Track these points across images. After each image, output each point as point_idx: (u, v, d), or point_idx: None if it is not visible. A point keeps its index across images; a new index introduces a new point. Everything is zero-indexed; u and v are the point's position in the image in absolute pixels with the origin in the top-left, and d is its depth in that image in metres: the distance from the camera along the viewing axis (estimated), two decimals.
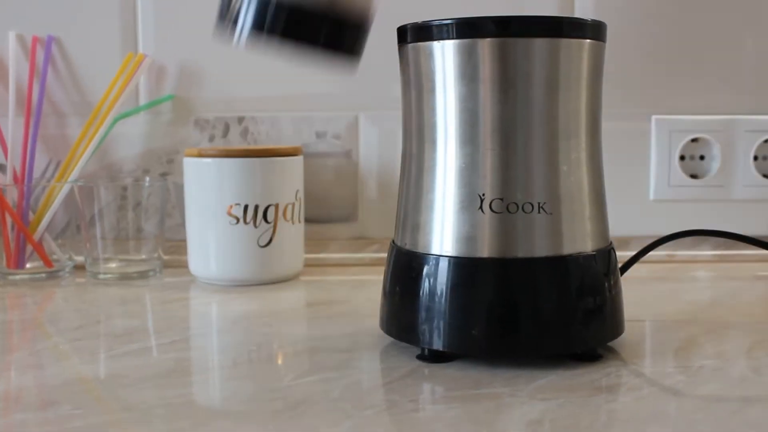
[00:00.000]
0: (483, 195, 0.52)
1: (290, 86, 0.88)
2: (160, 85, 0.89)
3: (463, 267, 0.53)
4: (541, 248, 0.52)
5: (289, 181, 0.80)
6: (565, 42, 0.52)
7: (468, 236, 0.53)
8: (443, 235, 0.54)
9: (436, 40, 0.53)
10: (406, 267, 0.56)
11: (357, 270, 0.87)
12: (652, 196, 0.90)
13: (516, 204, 0.52)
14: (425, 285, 0.54)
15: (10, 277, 0.83)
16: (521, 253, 0.52)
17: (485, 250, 0.52)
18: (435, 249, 0.54)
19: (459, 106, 0.52)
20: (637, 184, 0.89)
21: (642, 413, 0.46)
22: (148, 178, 0.88)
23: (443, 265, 0.53)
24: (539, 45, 0.52)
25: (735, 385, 0.51)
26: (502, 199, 0.52)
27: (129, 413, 0.46)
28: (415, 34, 0.54)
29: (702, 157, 0.90)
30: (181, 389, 0.51)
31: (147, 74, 0.88)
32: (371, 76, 0.87)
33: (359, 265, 0.88)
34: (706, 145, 0.89)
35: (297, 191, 0.80)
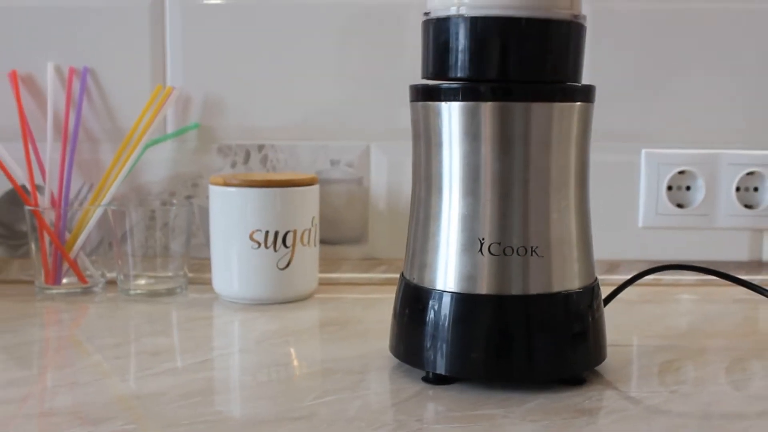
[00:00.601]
0: (483, 239, 0.59)
1: (307, 117, 0.96)
2: (186, 114, 0.96)
3: (464, 302, 0.60)
4: (533, 286, 0.60)
5: (306, 209, 0.87)
6: (557, 106, 0.59)
7: (469, 275, 0.60)
8: (447, 274, 0.61)
9: (444, 100, 0.60)
10: (413, 299, 0.63)
11: (368, 289, 0.93)
12: (641, 224, 0.97)
13: (512, 248, 0.59)
14: (430, 316, 0.61)
15: (48, 292, 0.90)
16: (516, 291, 0.59)
17: (484, 287, 0.60)
18: (439, 285, 0.61)
19: (463, 160, 0.59)
20: (627, 212, 0.96)
21: None
22: (174, 201, 0.95)
23: (446, 299, 0.60)
24: (535, 108, 0.58)
25: (706, 407, 0.58)
26: (499, 243, 0.59)
27: (175, 428, 0.53)
28: (425, 94, 0.61)
29: (688, 188, 0.97)
30: (216, 407, 0.58)
31: (174, 105, 0.95)
32: (382, 109, 0.94)
33: (369, 284, 0.95)
34: (692, 177, 0.96)
35: (313, 218, 0.87)
